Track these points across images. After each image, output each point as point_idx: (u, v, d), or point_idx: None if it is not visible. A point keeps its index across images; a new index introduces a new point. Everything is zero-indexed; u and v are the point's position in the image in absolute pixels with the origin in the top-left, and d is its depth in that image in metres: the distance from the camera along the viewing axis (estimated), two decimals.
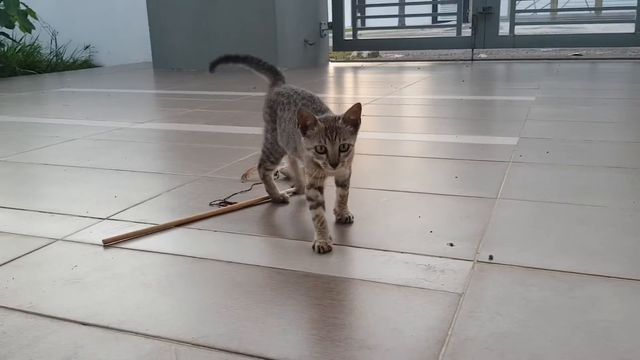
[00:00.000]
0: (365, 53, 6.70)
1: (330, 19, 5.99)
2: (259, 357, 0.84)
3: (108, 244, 1.29)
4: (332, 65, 5.78)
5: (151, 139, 2.43)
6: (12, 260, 1.22)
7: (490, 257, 1.16)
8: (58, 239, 1.33)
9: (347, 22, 6.18)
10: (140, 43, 6.32)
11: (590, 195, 1.52)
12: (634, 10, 8.08)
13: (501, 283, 1.06)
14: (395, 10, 8.02)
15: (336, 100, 3.56)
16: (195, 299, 1.03)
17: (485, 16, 5.45)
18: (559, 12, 9.15)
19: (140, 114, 3.09)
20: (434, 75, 4.62)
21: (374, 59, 6.56)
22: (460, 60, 5.77)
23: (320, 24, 5.78)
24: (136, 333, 0.92)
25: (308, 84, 4.24)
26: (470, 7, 5.53)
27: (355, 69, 5.45)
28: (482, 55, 5.98)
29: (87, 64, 6.72)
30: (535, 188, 1.60)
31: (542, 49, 6.63)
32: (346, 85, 4.53)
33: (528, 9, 9.30)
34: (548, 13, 10.32)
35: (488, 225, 1.33)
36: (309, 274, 1.12)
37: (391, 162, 1.99)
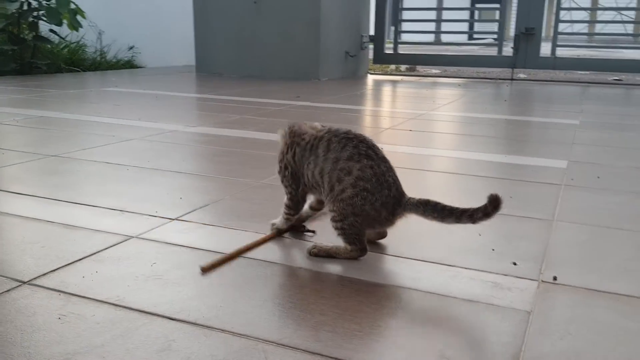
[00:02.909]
0: (403, 67, 6.75)
1: (371, 32, 6.06)
2: None
3: (206, 271, 1.22)
4: (370, 78, 5.84)
5: (205, 143, 2.51)
6: (92, 254, 1.29)
7: (555, 278, 1.19)
8: (133, 237, 1.40)
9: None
10: (183, 46, 6.47)
11: None
12: None
13: (567, 303, 1.09)
14: (431, 26, 8.03)
15: (384, 113, 3.62)
16: (274, 301, 1.09)
17: (527, 37, 5.47)
18: (599, 36, 9.10)
19: (190, 118, 3.17)
20: (474, 92, 4.65)
21: (411, 73, 6.61)
22: (500, 79, 5.79)
23: (362, 36, 5.85)
24: (223, 330, 0.98)
25: (349, 96, 4.31)
26: (513, 27, 5.55)
27: (394, 82, 5.50)
28: (521, 75, 5.99)
29: (129, 65, 6.89)
30: (591, 212, 1.63)
31: (580, 72, 6.62)
32: (389, 99, 4.58)
33: (566, 31, 9.28)
34: (589, 37, 10.28)
35: (548, 246, 1.37)
36: (377, 283, 1.17)
37: (445, 179, 2.02)
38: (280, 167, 1.40)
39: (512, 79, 5.64)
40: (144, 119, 3.08)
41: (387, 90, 5.06)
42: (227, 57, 5.60)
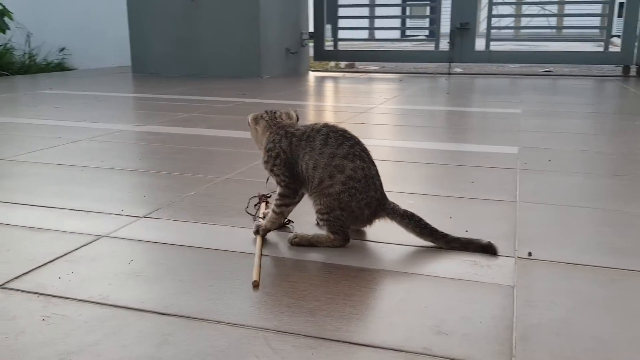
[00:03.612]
0: (342, 64, 6.81)
1: (310, 29, 6.08)
2: (345, 342, 0.90)
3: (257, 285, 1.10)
4: (312, 75, 5.86)
5: (158, 142, 2.45)
6: (64, 255, 1.24)
7: (529, 254, 1.24)
8: (102, 236, 1.35)
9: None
10: (117, 47, 6.29)
11: (603, 200, 1.63)
12: (596, 30, 8.48)
13: (547, 276, 1.14)
14: (368, 23, 8.14)
15: (335, 108, 3.64)
16: (264, 290, 1.08)
17: (462, 32, 5.63)
18: (528, 31, 9.47)
19: (136, 117, 3.09)
20: (416, 87, 4.75)
21: (351, 69, 6.67)
22: (437, 73, 5.93)
23: (302, 33, 5.86)
24: (218, 321, 0.96)
25: (295, 93, 4.32)
26: (443, 23, 5.69)
27: (336, 78, 5.55)
28: (458, 70, 6.16)
29: (60, 67, 6.64)
30: (550, 193, 1.70)
31: (510, 65, 6.88)
32: (336, 95, 4.61)
33: (494, 25, 9.60)
34: (515, 31, 10.67)
35: (516, 225, 1.42)
36: (362, 268, 1.18)
37: (406, 167, 2.06)
38: (270, 155, 1.32)
39: (449, 73, 5.79)
40: (89, 120, 2.97)
41: (331, 86, 5.09)
42: (165, 57, 5.48)
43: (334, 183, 1.26)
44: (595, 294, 1.06)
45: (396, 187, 1.76)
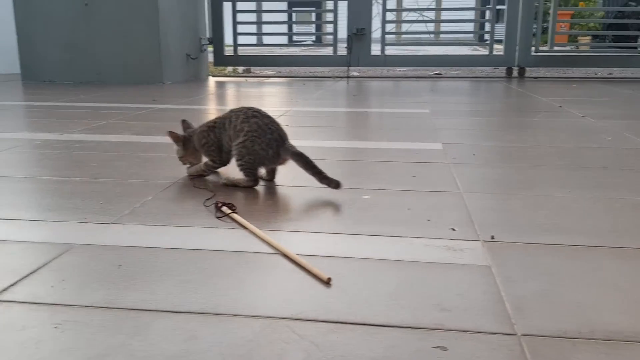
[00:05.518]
0: (240, 69, 6.83)
1: (208, 34, 6.05)
2: (366, 325, 0.97)
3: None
4: (212, 80, 5.83)
5: (87, 149, 2.37)
6: (45, 265, 1.21)
7: (492, 237, 1.37)
8: (76, 244, 1.33)
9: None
10: (2, 54, 5.90)
11: (536, 187, 1.81)
12: (470, 35, 9.02)
13: (514, 256, 1.27)
14: (268, 29, 8.21)
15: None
16: (269, 283, 1.12)
17: (359, 37, 5.85)
18: (420, 36, 9.95)
19: (50, 126, 2.95)
20: (321, 90, 4.88)
21: (248, 74, 6.71)
22: (335, 77, 6.12)
23: (201, 38, 5.81)
24: (235, 315, 1.00)
25: (203, 98, 4.30)
26: (345, 29, 5.89)
27: (239, 83, 5.56)
28: (355, 73, 6.39)
29: None
30: (486, 183, 1.86)
31: (399, 69, 7.24)
32: (247, 99, 4.63)
33: (388, 31, 10.02)
34: (396, 37, 11.19)
35: (469, 213, 1.55)
36: (355, 257, 1.25)
37: (350, 165, 2.14)
38: (205, 148, 1.87)
39: (348, 77, 5.99)
40: (2, 130, 2.81)
41: (237, 91, 5.10)
42: (59, 64, 5.23)
43: (239, 137, 1.76)
44: (561, 268, 1.20)
45: (346, 183, 1.85)
